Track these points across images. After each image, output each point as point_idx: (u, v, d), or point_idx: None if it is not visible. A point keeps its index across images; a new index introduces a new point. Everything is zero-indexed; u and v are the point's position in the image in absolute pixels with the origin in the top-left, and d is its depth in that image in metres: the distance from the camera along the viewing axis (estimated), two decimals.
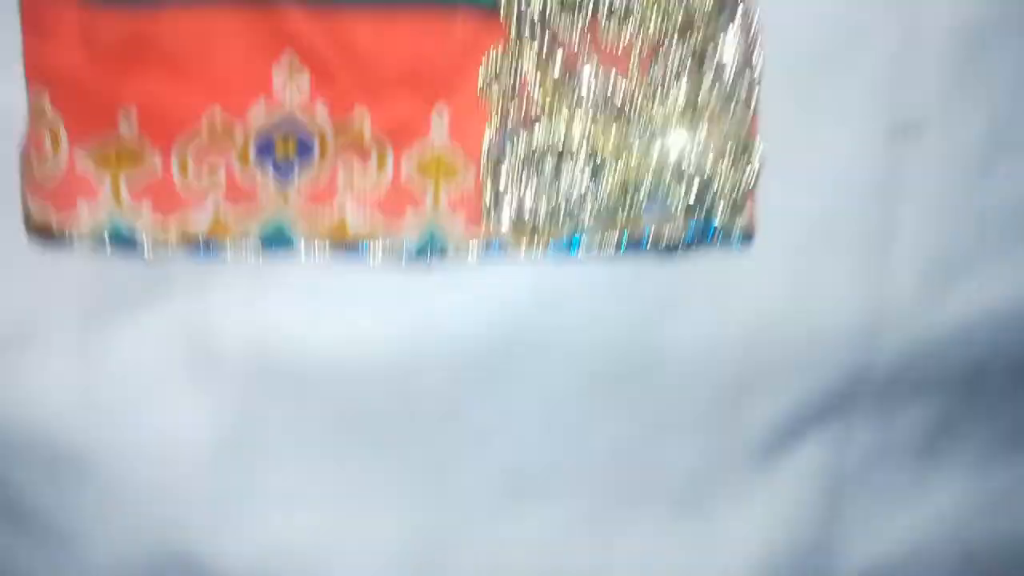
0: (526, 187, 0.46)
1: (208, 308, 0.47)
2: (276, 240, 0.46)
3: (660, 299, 0.49)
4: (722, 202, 0.46)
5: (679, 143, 0.46)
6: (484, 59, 0.45)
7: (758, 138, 0.46)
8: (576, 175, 0.46)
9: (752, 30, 0.46)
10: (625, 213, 0.46)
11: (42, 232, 0.45)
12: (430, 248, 0.46)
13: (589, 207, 0.46)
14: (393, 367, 0.48)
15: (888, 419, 0.53)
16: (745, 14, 0.45)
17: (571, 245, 0.47)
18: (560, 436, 0.50)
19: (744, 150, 0.46)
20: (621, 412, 0.50)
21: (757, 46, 0.46)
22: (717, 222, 0.47)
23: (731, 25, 0.46)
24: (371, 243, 0.46)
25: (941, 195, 0.50)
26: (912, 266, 0.50)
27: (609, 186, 0.46)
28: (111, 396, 0.47)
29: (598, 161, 0.46)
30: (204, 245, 0.46)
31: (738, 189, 0.46)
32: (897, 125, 0.49)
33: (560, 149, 0.46)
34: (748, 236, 0.48)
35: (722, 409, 0.51)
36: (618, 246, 0.47)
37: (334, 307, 0.47)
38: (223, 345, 0.47)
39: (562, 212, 0.46)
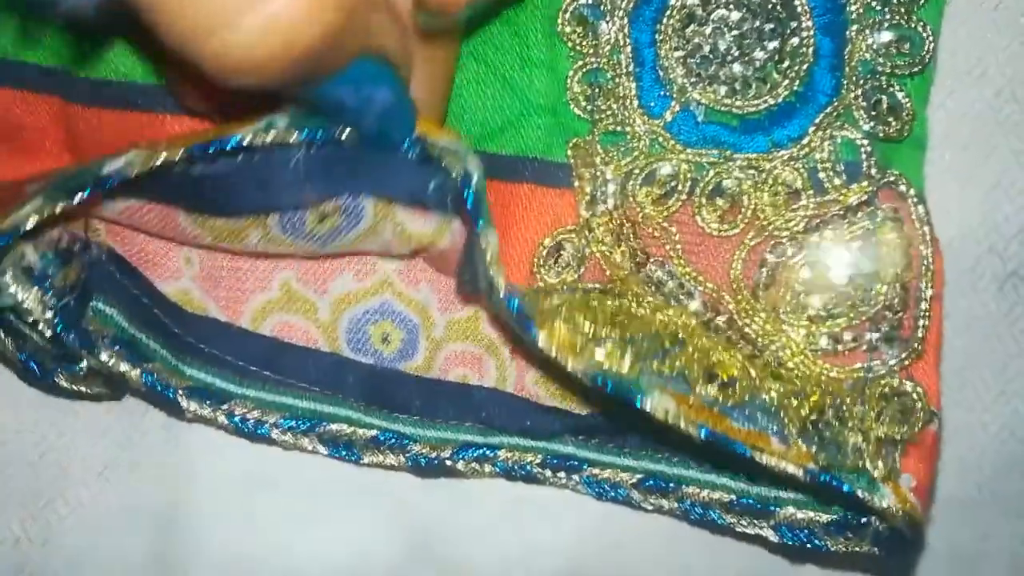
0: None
1: None
2: None
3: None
4: (865, 463, 0.31)
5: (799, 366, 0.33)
6: (542, 239, 0.36)
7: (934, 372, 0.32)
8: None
9: (923, 227, 0.33)
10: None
11: None
12: None
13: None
14: None
15: None
16: (903, 220, 0.33)
17: (634, 394, 0.31)
18: None
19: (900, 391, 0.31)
20: None
21: (927, 244, 0.33)
22: (856, 486, 0.30)
23: (883, 232, 0.33)
24: None
25: None
26: None
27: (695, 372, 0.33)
28: None
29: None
30: None
31: (892, 443, 0.31)
32: None
33: None
34: (914, 526, 0.31)
35: None
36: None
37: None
38: None
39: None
